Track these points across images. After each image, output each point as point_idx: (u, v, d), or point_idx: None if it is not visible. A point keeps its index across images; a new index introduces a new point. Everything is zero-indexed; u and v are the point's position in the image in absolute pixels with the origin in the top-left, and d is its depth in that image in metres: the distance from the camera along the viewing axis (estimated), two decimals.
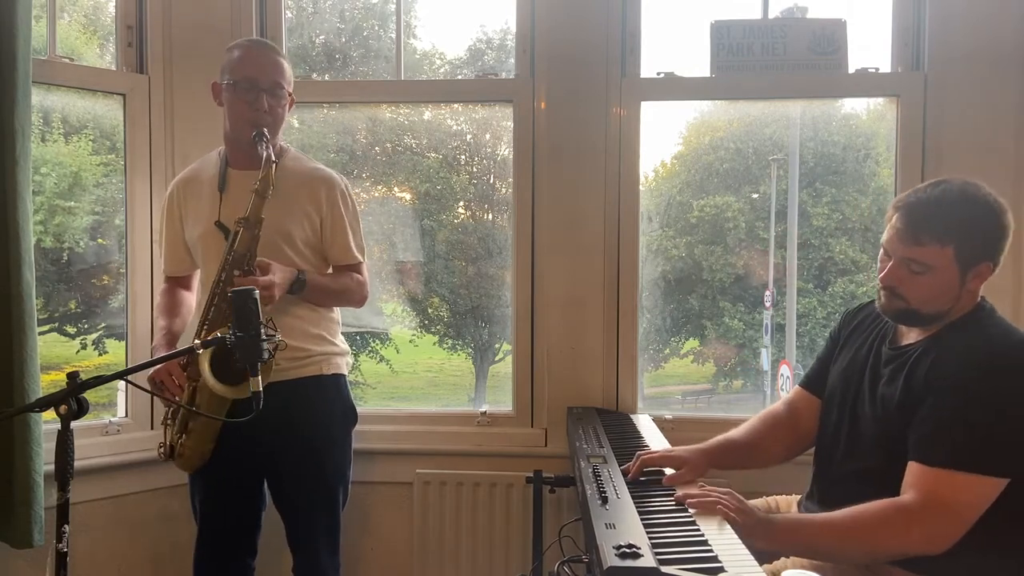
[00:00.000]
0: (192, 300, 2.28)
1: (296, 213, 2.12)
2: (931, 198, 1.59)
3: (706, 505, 1.51)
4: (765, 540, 1.50)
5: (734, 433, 1.92)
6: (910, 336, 1.69)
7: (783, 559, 1.68)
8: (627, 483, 1.68)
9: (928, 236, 1.56)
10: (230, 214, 2.04)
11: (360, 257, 2.22)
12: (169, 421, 2.08)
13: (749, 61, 2.57)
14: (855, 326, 1.86)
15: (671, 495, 1.61)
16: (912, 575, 1.56)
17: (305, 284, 2.07)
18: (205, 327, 2.01)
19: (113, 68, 2.62)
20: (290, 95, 2.15)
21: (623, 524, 1.39)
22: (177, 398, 2.00)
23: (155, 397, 2.44)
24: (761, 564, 1.28)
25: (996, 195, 1.61)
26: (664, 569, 1.19)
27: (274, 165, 1.99)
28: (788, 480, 2.00)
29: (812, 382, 1.92)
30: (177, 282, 2.30)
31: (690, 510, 1.51)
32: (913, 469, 1.53)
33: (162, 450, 2.08)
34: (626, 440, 2.15)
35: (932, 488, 1.49)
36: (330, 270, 2.23)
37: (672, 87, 2.67)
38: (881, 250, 1.66)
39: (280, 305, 2.05)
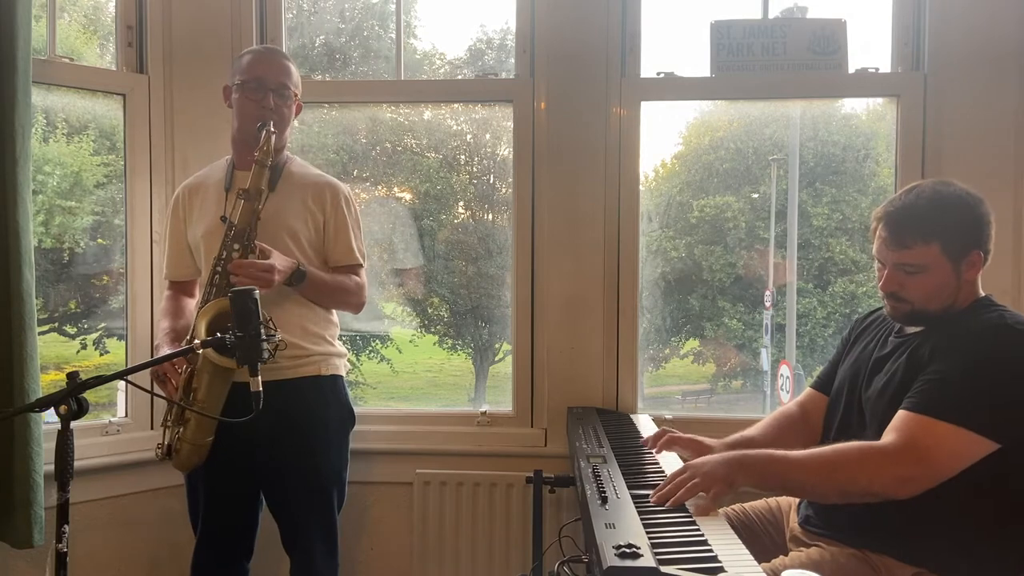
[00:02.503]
0: (194, 306, 2.27)
1: (301, 212, 2.14)
2: (907, 204, 1.67)
3: (680, 498, 1.53)
4: (742, 476, 1.56)
5: (751, 431, 1.95)
6: (915, 327, 1.74)
7: (781, 558, 1.68)
8: (625, 482, 1.68)
9: (912, 238, 1.64)
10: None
11: (360, 259, 2.23)
12: (168, 423, 2.07)
13: (749, 61, 2.57)
14: (864, 327, 1.91)
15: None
16: (912, 567, 1.58)
17: (305, 276, 2.07)
18: (207, 303, 2.00)
19: (113, 68, 2.62)
20: (297, 99, 2.18)
21: (623, 524, 1.39)
22: (177, 388, 1.99)
23: (155, 397, 2.45)
24: (760, 563, 1.28)
25: (969, 189, 1.69)
26: (664, 569, 1.19)
27: (273, 136, 2.01)
28: None
29: (823, 383, 1.96)
30: (180, 288, 2.30)
31: (690, 510, 1.52)
32: (899, 415, 1.57)
33: (160, 450, 2.07)
34: (626, 440, 2.16)
35: (913, 432, 1.52)
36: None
37: (672, 87, 2.67)
38: (876, 261, 1.74)
39: (279, 302, 2.05)
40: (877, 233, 1.71)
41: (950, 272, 1.64)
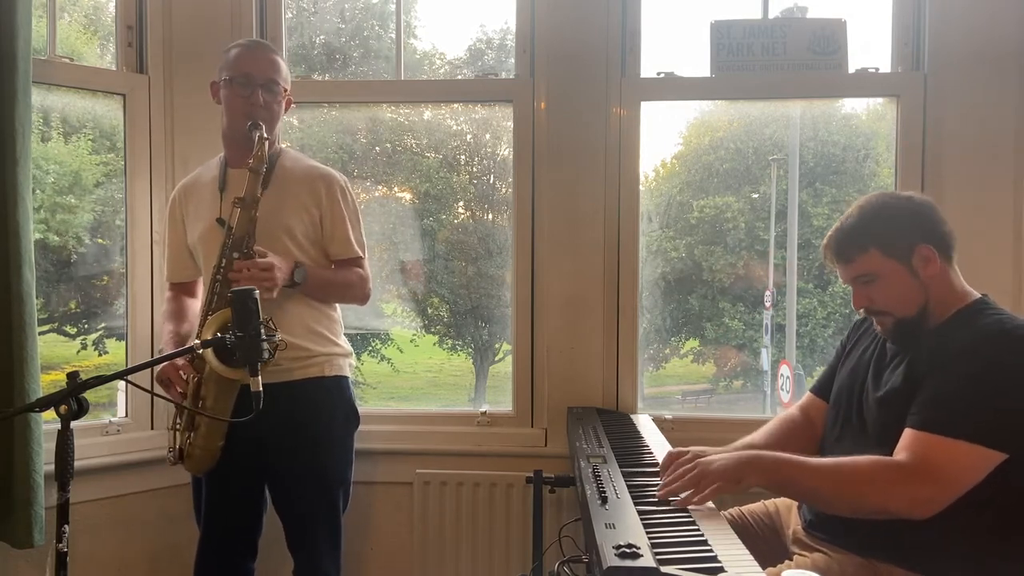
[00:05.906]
0: (197, 307, 2.26)
1: (296, 207, 2.12)
2: (840, 225, 1.73)
3: (687, 499, 1.54)
4: (753, 476, 1.56)
5: (754, 437, 1.94)
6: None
7: (787, 563, 1.68)
8: (625, 482, 1.68)
9: (850, 251, 1.69)
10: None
11: (360, 251, 2.21)
12: (177, 425, 2.07)
13: (749, 61, 2.57)
14: (863, 332, 1.89)
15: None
16: (914, 575, 1.56)
17: (305, 274, 2.06)
18: (209, 314, 2.00)
19: (113, 68, 2.62)
20: (287, 93, 2.17)
21: (623, 524, 1.39)
22: (183, 392, 1.99)
23: (157, 397, 2.45)
24: (763, 566, 1.28)
25: (900, 193, 1.75)
26: (664, 569, 1.18)
27: (267, 142, 1.99)
28: None
29: (822, 388, 1.95)
30: (181, 289, 2.29)
31: (690, 509, 1.52)
32: (907, 434, 1.55)
33: (171, 454, 2.06)
34: (626, 440, 2.15)
35: (925, 452, 1.50)
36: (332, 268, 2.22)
37: (672, 87, 2.67)
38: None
39: (281, 302, 2.05)
40: (829, 262, 1.76)
41: (904, 272, 1.65)
